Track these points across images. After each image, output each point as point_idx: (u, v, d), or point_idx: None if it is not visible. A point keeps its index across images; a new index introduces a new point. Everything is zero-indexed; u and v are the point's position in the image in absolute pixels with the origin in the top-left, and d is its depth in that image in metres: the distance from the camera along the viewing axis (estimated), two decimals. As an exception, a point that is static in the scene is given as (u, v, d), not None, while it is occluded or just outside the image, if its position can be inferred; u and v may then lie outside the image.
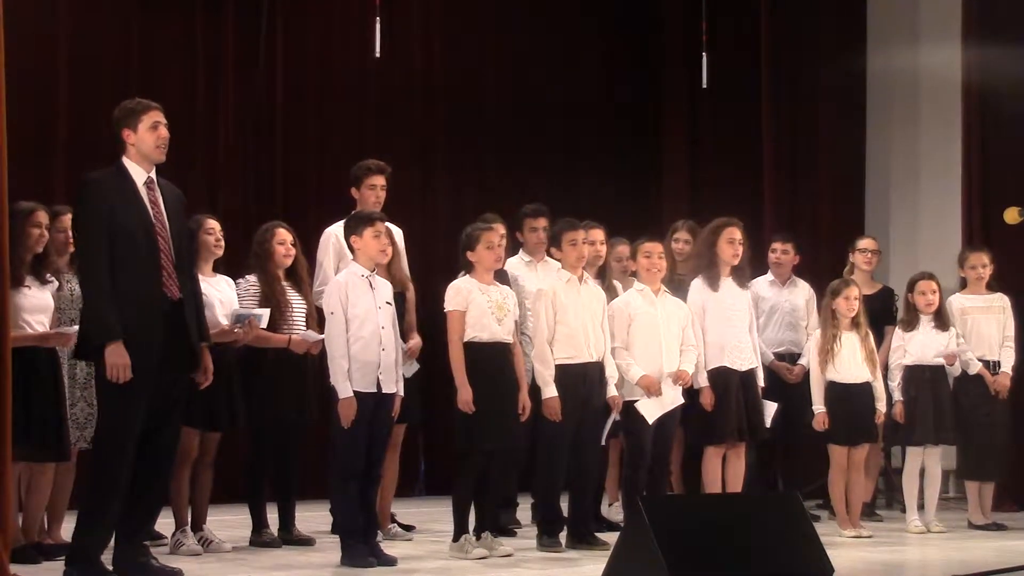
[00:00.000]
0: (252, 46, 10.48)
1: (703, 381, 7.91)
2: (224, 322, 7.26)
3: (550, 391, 7.29)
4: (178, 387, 6.18)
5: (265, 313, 7.34)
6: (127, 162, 6.18)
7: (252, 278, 7.58)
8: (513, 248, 8.38)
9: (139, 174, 6.17)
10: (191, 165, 10.18)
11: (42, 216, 6.84)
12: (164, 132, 6.22)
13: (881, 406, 8.32)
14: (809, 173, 11.48)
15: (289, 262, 7.62)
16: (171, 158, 9.84)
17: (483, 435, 7.03)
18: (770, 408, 8.09)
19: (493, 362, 7.09)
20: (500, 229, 7.63)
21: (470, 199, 10.91)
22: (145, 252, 6.04)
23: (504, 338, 7.15)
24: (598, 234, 8.14)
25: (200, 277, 7.25)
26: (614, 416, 7.54)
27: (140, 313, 5.97)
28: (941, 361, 8.57)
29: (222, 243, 7.51)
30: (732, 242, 8.05)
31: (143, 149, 6.18)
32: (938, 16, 10.92)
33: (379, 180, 7.99)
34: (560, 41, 11.87)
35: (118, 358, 5.88)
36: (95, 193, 6.08)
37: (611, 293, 7.98)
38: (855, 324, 8.32)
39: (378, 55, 10.44)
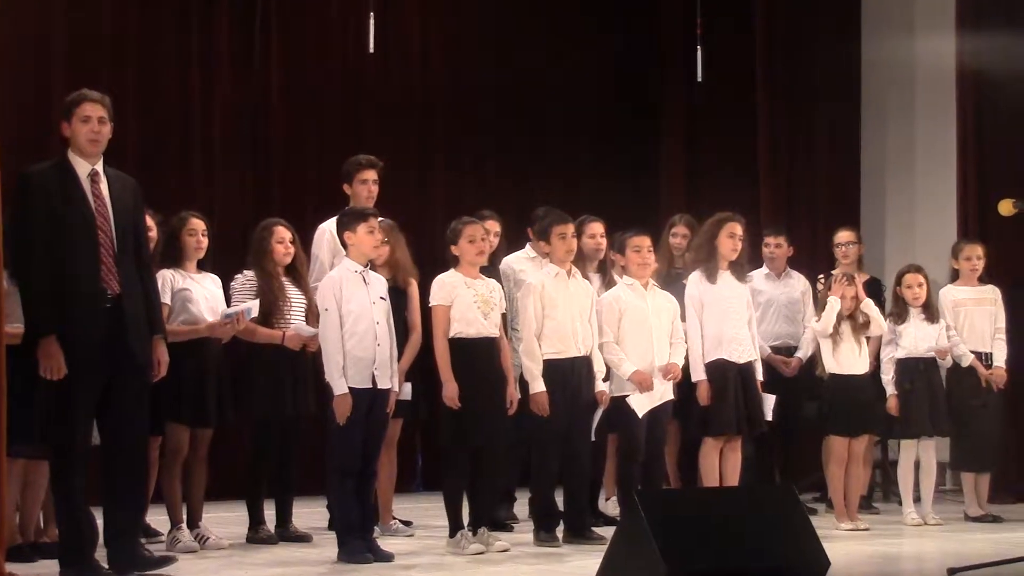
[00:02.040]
0: (247, 42, 10.48)
1: (701, 374, 7.92)
2: (209, 318, 7.24)
3: (538, 386, 7.28)
4: (131, 387, 6.02)
5: (254, 304, 7.30)
6: (71, 155, 6.03)
7: (250, 273, 7.54)
8: (521, 244, 8.39)
9: (83, 167, 6.01)
10: (187, 163, 10.19)
11: None
12: (95, 126, 6.00)
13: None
14: (805, 163, 11.48)
15: (289, 260, 7.57)
16: (166, 155, 10.03)
17: (468, 433, 7.02)
18: (769, 401, 8.08)
19: (480, 358, 7.07)
20: (489, 225, 7.59)
21: (467, 195, 10.88)
22: (84, 246, 5.91)
23: (490, 332, 7.13)
24: (597, 227, 8.14)
25: (184, 274, 7.30)
26: (601, 410, 7.52)
27: (78, 308, 5.88)
28: (933, 353, 8.58)
29: (205, 242, 7.42)
30: (732, 237, 8.03)
31: (76, 142, 6.02)
32: (933, 5, 10.90)
33: (370, 175, 7.97)
34: (556, 36, 11.85)
35: (50, 353, 5.82)
36: (33, 186, 5.94)
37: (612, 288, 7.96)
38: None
39: (372, 51, 10.41)
